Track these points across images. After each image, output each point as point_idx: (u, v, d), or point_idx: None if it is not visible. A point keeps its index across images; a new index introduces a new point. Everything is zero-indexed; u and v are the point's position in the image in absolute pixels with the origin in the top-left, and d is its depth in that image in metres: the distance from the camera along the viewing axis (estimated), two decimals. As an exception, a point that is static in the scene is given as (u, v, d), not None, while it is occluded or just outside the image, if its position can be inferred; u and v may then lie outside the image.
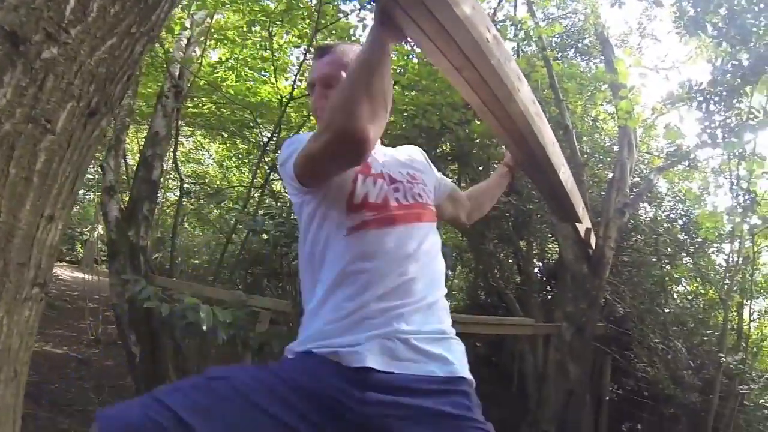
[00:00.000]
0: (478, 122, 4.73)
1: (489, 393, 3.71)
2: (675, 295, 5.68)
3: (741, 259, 4.68)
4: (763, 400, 4.17)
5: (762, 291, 5.03)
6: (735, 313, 4.71)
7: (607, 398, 4.68)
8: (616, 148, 5.53)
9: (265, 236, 3.56)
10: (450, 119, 4.68)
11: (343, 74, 1.25)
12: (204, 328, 2.78)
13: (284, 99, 5.25)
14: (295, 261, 4.91)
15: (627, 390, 4.67)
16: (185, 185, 6.08)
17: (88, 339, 6.40)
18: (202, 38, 5.45)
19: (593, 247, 4.02)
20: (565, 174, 2.13)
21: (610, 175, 5.27)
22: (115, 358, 5.71)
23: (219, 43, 6.06)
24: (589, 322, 4.29)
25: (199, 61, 5.50)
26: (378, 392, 1.02)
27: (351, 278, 1.12)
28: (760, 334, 4.83)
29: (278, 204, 5.78)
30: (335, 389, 1.02)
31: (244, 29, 5.74)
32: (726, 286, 4.69)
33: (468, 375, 1.14)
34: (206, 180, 8.96)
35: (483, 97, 1.49)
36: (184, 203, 6.83)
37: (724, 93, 4.21)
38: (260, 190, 5.64)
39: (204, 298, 3.31)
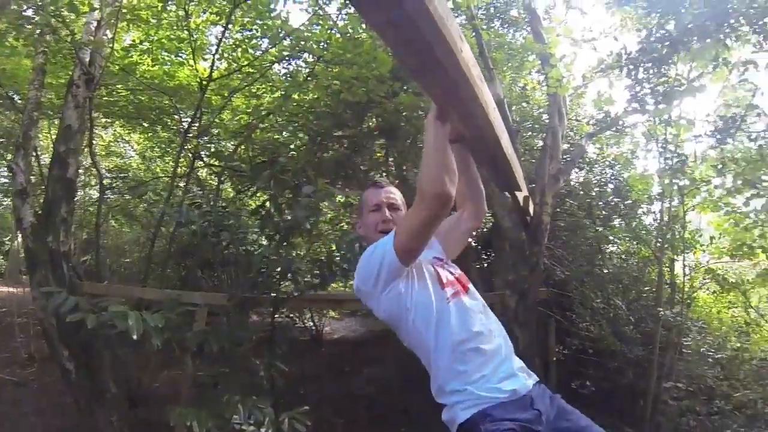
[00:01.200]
0: (405, 94, 4.62)
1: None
2: (610, 256, 5.88)
3: (670, 217, 4.87)
4: (704, 348, 4.40)
5: (691, 246, 5.27)
6: (668, 269, 4.92)
7: (555, 360, 4.80)
8: (545, 117, 5.59)
9: (193, 227, 3.33)
10: (377, 92, 4.54)
11: (400, 202, 1.88)
12: (134, 336, 2.56)
13: (203, 82, 4.97)
14: (226, 250, 4.69)
15: (572, 350, 4.81)
16: (106, 181, 5.68)
17: (22, 358, 5.93)
18: (113, 20, 5.02)
19: (531, 215, 4.04)
20: (505, 140, 2.06)
21: (541, 144, 5.32)
22: (53, 374, 5.27)
23: (132, 25, 5.61)
24: (532, 288, 4.35)
25: (111, 45, 5.09)
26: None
27: (473, 349, 1.61)
28: (691, 286, 5.06)
29: (205, 191, 5.51)
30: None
31: (159, 9, 5.36)
32: (658, 244, 4.88)
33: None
34: (129, 173, 8.42)
35: (422, 59, 1.37)
36: (107, 200, 6.40)
37: (650, 64, 4.27)
38: (185, 179, 5.36)
39: (136, 301, 3.08)
